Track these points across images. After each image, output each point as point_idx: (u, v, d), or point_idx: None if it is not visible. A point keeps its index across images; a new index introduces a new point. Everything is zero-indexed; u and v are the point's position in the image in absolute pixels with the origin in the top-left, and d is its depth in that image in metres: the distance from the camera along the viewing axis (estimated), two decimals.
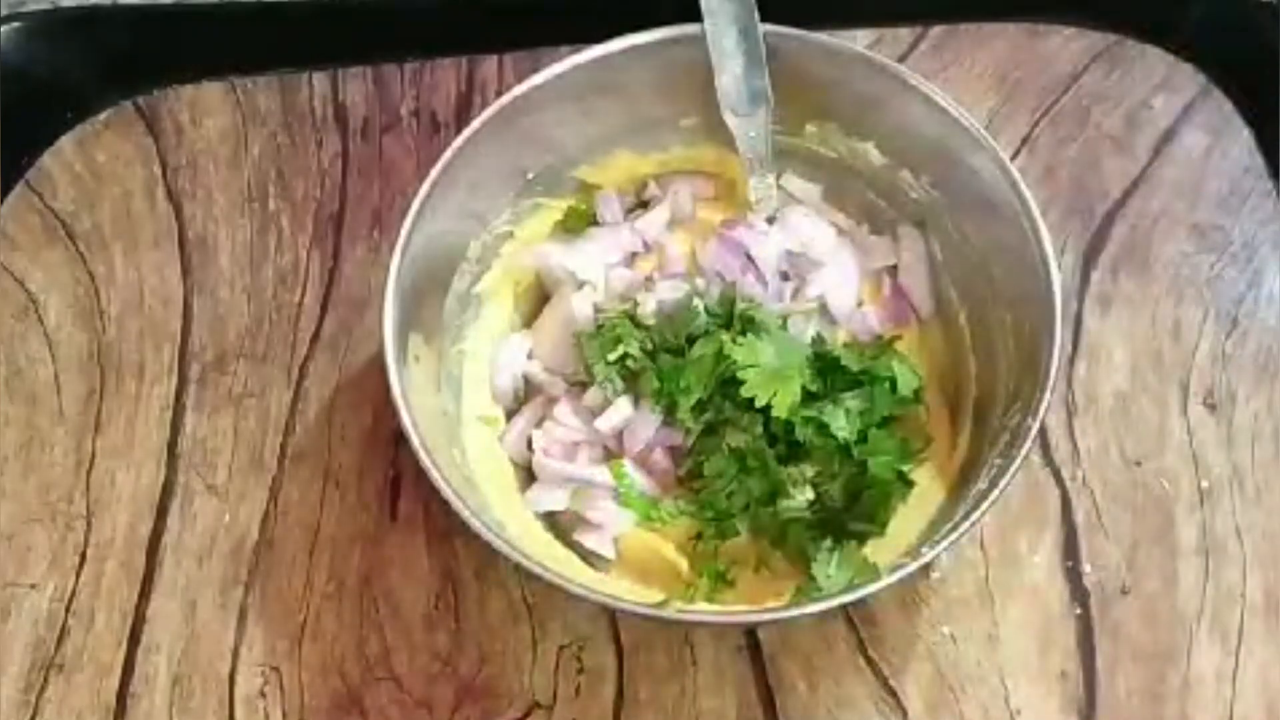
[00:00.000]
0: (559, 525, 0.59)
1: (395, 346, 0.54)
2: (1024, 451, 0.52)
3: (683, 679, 0.57)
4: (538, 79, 0.59)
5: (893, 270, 0.63)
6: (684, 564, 0.57)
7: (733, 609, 0.56)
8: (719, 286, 0.60)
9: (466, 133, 0.58)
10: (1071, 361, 0.64)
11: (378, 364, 0.55)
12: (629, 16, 0.60)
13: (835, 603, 0.51)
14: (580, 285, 0.62)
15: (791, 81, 0.61)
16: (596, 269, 0.62)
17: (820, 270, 0.62)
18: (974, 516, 0.51)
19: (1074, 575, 0.59)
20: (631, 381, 0.59)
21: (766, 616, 0.56)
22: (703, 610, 0.56)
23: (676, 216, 0.65)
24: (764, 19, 0.60)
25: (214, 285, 0.67)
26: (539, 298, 0.64)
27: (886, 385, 0.58)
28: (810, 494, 0.57)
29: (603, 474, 0.58)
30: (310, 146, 0.71)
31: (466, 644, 0.58)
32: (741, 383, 0.56)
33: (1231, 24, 0.73)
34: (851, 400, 0.57)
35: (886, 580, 0.51)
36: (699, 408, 0.57)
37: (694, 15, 0.60)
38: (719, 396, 0.57)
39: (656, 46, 0.60)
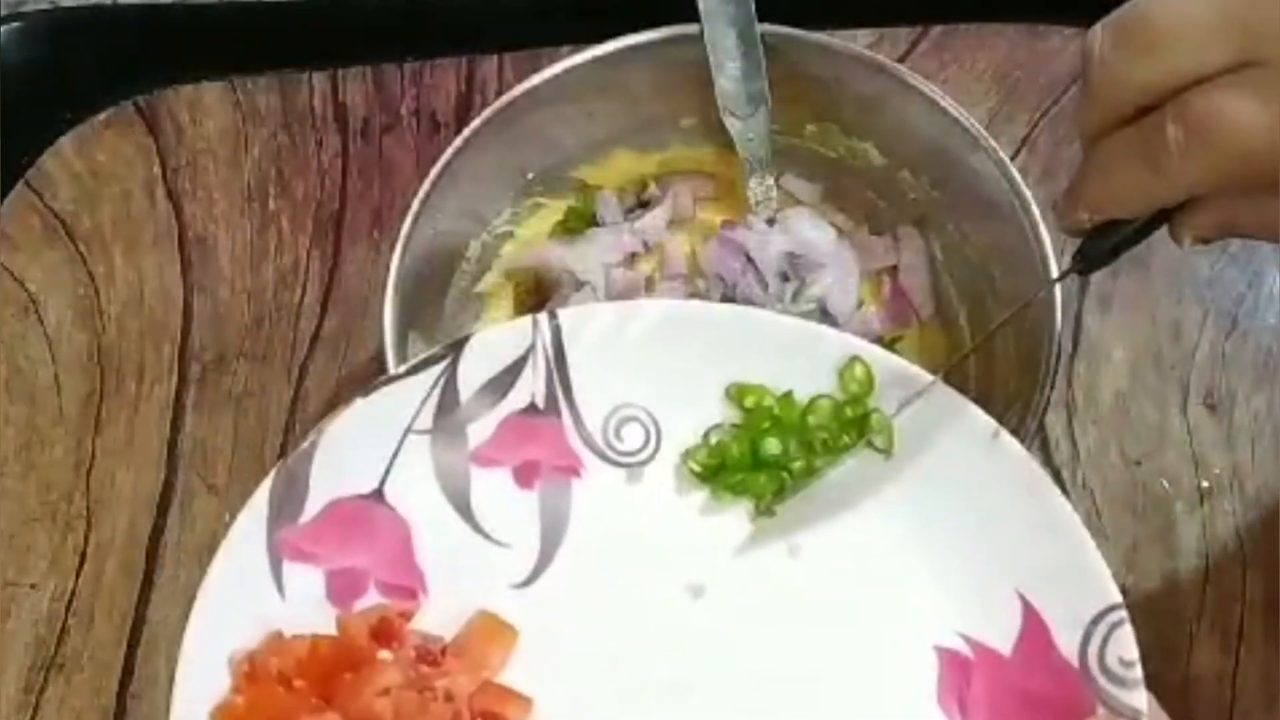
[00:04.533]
0: None
1: (395, 346, 0.54)
2: None
3: None
4: (538, 79, 0.59)
5: (893, 271, 0.63)
6: None
7: None
8: (719, 288, 0.60)
9: (466, 133, 0.58)
10: (1071, 361, 0.64)
11: (378, 364, 0.55)
12: (629, 16, 0.60)
13: None
14: (580, 285, 0.62)
15: (791, 81, 0.61)
16: (596, 269, 0.62)
17: (820, 271, 0.62)
18: None
19: None
20: None
21: None
22: None
23: (676, 217, 0.65)
24: (763, 19, 0.60)
25: (214, 285, 0.67)
26: (539, 298, 0.64)
27: None
28: None
29: None
30: (310, 146, 0.71)
31: None
32: None
33: None
34: None
35: None
36: None
37: (694, 15, 0.60)
38: None
39: (656, 46, 0.60)
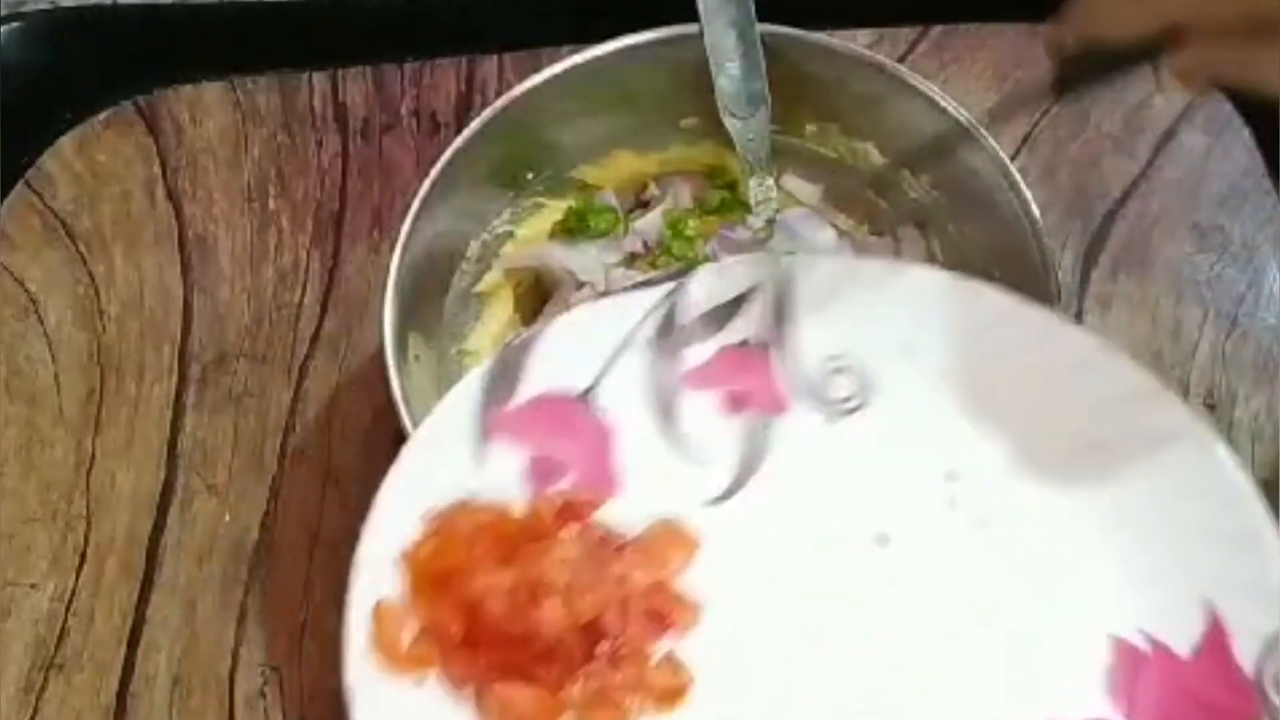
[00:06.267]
0: None
1: (395, 346, 0.54)
2: None
3: None
4: (538, 79, 0.59)
5: None
6: None
7: None
8: None
9: (466, 133, 0.58)
10: None
11: (378, 364, 0.55)
12: (629, 16, 0.60)
13: None
14: (580, 285, 0.62)
15: (791, 81, 0.61)
16: (596, 269, 0.63)
17: None
18: None
19: None
20: None
21: None
22: None
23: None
24: (763, 19, 0.60)
25: (214, 285, 0.67)
26: (539, 298, 0.64)
27: None
28: None
29: None
30: (310, 146, 0.71)
31: None
32: None
33: None
34: None
35: None
36: None
37: (694, 15, 0.60)
38: None
39: (656, 46, 0.60)
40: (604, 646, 0.44)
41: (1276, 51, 0.38)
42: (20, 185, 0.70)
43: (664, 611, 0.45)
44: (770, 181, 0.63)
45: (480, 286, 0.63)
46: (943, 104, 0.58)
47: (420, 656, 0.44)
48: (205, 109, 0.72)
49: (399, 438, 0.55)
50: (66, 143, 0.71)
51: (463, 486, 0.46)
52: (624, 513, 0.47)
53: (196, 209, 0.69)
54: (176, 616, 0.59)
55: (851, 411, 0.49)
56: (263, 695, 0.57)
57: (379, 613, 0.44)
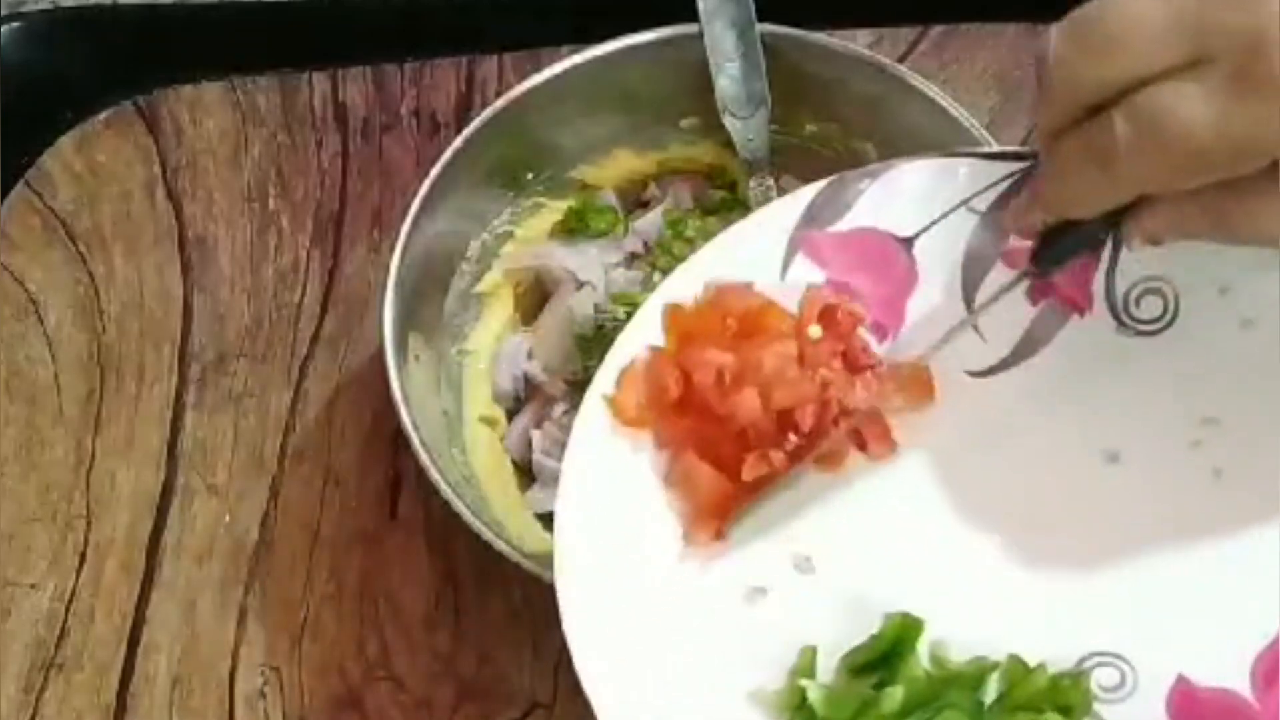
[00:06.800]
0: None
1: (395, 346, 0.55)
2: None
3: None
4: (538, 79, 0.60)
5: None
6: None
7: None
8: None
9: (466, 133, 0.58)
10: None
11: (378, 364, 0.55)
12: (629, 16, 0.60)
13: None
14: (580, 285, 0.62)
15: (791, 81, 0.61)
16: (596, 269, 0.63)
17: None
18: None
19: None
20: None
21: None
22: None
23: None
24: (763, 19, 0.60)
25: (214, 285, 0.67)
26: (539, 298, 0.64)
27: None
28: None
29: None
30: (310, 146, 0.71)
31: (466, 644, 0.58)
32: None
33: None
34: None
35: None
36: None
37: (694, 15, 0.60)
38: None
39: (656, 46, 0.60)
40: (792, 439, 0.45)
41: (1249, 204, 0.38)
42: (20, 185, 0.70)
43: (865, 436, 0.47)
44: (770, 181, 0.63)
45: (480, 286, 0.63)
46: (943, 104, 0.58)
47: (642, 417, 0.46)
48: (205, 109, 0.72)
49: (399, 438, 0.55)
50: (66, 143, 0.71)
51: (754, 283, 0.47)
52: (890, 351, 0.48)
53: (196, 209, 0.69)
54: (176, 616, 0.59)
55: (1147, 334, 0.48)
56: (263, 695, 0.57)
57: (631, 368, 0.46)
